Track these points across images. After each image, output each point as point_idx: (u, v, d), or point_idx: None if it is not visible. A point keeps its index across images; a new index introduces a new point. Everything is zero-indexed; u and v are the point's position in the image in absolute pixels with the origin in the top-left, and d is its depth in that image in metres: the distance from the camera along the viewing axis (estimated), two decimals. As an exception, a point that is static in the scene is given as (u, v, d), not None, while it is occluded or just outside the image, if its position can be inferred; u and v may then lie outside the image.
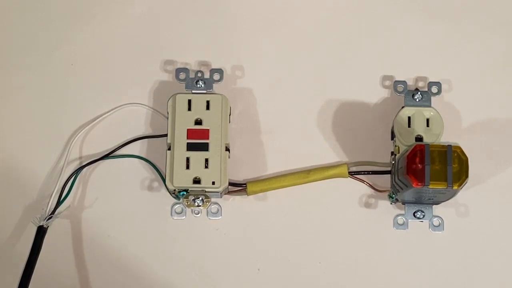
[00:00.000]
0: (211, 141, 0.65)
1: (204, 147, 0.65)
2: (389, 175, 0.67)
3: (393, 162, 0.66)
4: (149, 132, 0.69)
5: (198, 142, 0.65)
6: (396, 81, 0.69)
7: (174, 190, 0.65)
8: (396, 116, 0.67)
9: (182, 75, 0.69)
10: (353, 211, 0.68)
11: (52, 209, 0.66)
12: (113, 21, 0.72)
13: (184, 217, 0.68)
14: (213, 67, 0.70)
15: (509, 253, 0.67)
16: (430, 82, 0.69)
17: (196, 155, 0.65)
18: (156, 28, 0.71)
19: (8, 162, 0.69)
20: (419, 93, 0.67)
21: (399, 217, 0.67)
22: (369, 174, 0.67)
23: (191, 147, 0.65)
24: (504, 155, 0.69)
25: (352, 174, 0.67)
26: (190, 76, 0.69)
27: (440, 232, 0.67)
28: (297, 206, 0.68)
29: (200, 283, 0.67)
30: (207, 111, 0.66)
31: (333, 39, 0.71)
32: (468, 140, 0.67)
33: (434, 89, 0.68)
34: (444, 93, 0.69)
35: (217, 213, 0.68)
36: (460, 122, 0.69)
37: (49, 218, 0.66)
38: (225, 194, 0.68)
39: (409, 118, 0.66)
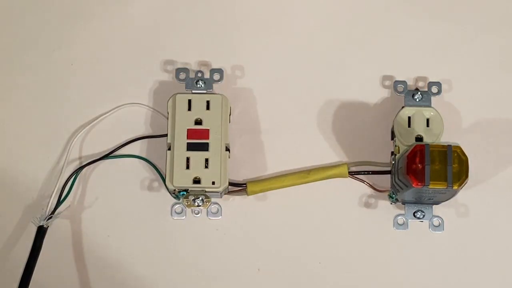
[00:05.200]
0: (211, 141, 0.65)
1: (204, 147, 0.65)
2: (389, 175, 0.67)
3: (393, 162, 0.66)
4: (149, 132, 0.69)
5: (198, 142, 0.65)
6: (396, 81, 0.69)
7: (174, 190, 0.65)
8: (396, 116, 0.67)
9: (182, 75, 0.69)
10: (353, 211, 0.68)
11: (52, 209, 0.66)
12: (113, 21, 0.72)
13: (184, 217, 0.68)
14: (213, 67, 0.70)
15: (509, 253, 0.67)
16: (430, 82, 0.69)
17: (196, 155, 0.65)
18: (156, 28, 0.71)
19: (8, 162, 0.69)
20: (419, 93, 0.67)
21: (399, 217, 0.67)
22: (369, 174, 0.67)
23: (191, 147, 0.65)
24: (504, 155, 0.69)
25: (352, 174, 0.67)
26: (190, 76, 0.69)
27: (440, 232, 0.67)
28: (297, 206, 0.68)
29: (200, 283, 0.67)
30: (207, 111, 0.66)
31: (333, 39, 0.71)
32: (468, 140, 0.67)
33: (434, 89, 0.68)
34: (444, 93, 0.69)
35: (217, 213, 0.68)
36: (460, 122, 0.69)
37: (49, 218, 0.66)
38: (225, 194, 0.68)
39: (409, 118, 0.66)
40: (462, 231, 0.67)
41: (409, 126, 0.66)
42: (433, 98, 0.68)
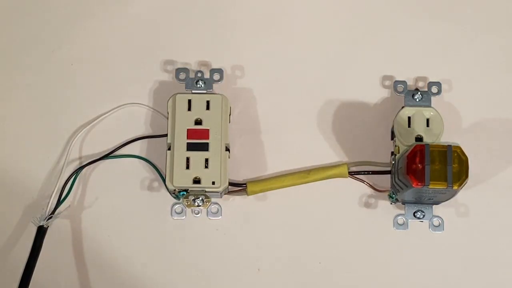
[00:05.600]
0: (211, 141, 0.65)
1: (204, 147, 0.65)
2: (389, 175, 0.67)
3: (393, 162, 0.66)
4: (149, 132, 0.69)
5: (198, 142, 0.65)
6: (396, 81, 0.69)
7: (174, 190, 0.65)
8: (396, 116, 0.67)
9: (182, 75, 0.69)
10: (353, 211, 0.68)
11: (52, 209, 0.66)
12: (113, 21, 0.72)
13: (184, 217, 0.68)
14: (213, 67, 0.70)
15: (509, 253, 0.67)
16: (430, 82, 0.69)
17: (196, 155, 0.65)
18: (156, 28, 0.71)
19: (8, 162, 0.69)
20: (419, 93, 0.68)
21: (399, 217, 0.67)
22: (369, 174, 0.67)
23: (191, 147, 0.65)
24: (504, 155, 0.69)
25: (352, 174, 0.67)
26: (190, 76, 0.69)
27: (440, 232, 0.67)
28: (297, 206, 0.68)
29: (200, 283, 0.67)
30: (207, 111, 0.66)
31: (333, 39, 0.71)
32: (468, 140, 0.67)
33: (434, 89, 0.68)
34: (444, 93, 0.69)
35: (217, 213, 0.68)
36: (460, 122, 0.69)
37: (49, 218, 0.66)
38: (225, 194, 0.68)
39: (409, 118, 0.66)
40: (462, 231, 0.67)
41: (409, 126, 0.66)
42: (433, 98, 0.68)
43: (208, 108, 0.66)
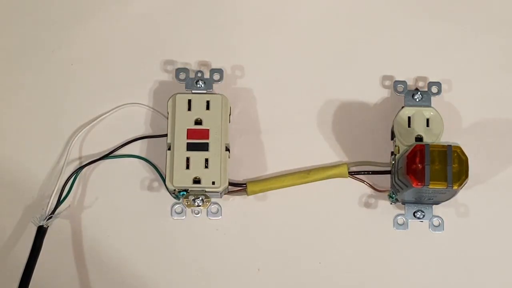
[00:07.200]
0: (211, 141, 0.65)
1: (204, 147, 0.65)
2: (389, 175, 0.67)
3: (393, 162, 0.66)
4: (149, 132, 0.69)
5: (198, 142, 0.65)
6: (396, 81, 0.69)
7: (174, 190, 0.65)
8: (396, 116, 0.67)
9: (182, 75, 0.69)
10: (353, 211, 0.68)
11: (52, 209, 0.66)
12: (113, 21, 0.72)
13: (184, 217, 0.68)
14: (213, 67, 0.70)
15: (509, 253, 0.67)
16: (430, 82, 0.69)
17: (196, 155, 0.65)
18: (156, 28, 0.71)
19: (8, 162, 0.69)
20: (419, 93, 0.68)
21: (399, 217, 0.67)
22: (369, 174, 0.67)
23: (191, 147, 0.65)
24: (504, 155, 0.69)
25: (352, 174, 0.67)
26: (190, 76, 0.69)
27: (440, 232, 0.67)
28: (297, 206, 0.68)
29: (200, 283, 0.67)
30: (207, 111, 0.66)
31: (333, 39, 0.71)
32: (468, 140, 0.67)
33: (434, 89, 0.68)
34: (444, 93, 0.69)
35: (217, 213, 0.68)
36: (460, 122, 0.69)
37: (49, 218, 0.66)
38: (225, 194, 0.68)
39: (409, 118, 0.66)
40: (462, 231, 0.67)
41: (409, 126, 0.66)
42: (433, 98, 0.68)
43: (208, 108, 0.66)
